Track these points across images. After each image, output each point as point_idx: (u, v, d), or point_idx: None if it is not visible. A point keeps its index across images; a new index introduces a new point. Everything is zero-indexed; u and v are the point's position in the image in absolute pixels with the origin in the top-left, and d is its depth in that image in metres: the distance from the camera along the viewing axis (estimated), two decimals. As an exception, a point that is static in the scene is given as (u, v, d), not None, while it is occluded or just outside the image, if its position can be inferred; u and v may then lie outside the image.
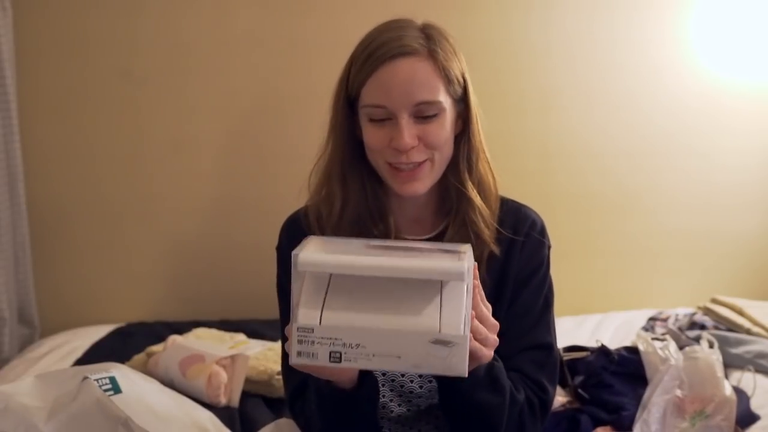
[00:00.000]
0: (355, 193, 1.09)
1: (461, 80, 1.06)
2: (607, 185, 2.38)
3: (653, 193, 2.40)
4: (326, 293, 0.81)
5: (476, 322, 0.86)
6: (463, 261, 0.80)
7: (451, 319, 0.79)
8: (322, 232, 1.10)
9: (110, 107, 2.23)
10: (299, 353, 0.80)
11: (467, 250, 0.88)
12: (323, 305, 0.80)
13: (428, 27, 1.05)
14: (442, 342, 0.79)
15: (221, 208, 2.33)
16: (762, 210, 2.45)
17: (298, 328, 0.80)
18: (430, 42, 1.02)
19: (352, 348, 0.79)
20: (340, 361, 0.80)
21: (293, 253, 0.81)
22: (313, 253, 0.82)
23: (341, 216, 1.09)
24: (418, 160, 1.03)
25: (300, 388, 1.10)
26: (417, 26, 1.05)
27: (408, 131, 1.00)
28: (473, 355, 0.85)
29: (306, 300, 0.81)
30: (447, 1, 2.20)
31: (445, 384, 0.98)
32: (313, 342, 0.80)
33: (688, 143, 2.38)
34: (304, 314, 0.80)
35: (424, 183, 1.05)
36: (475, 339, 0.86)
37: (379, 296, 0.81)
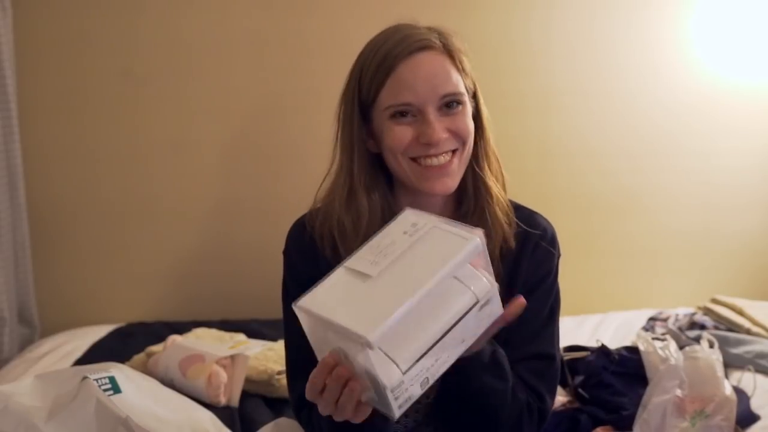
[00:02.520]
0: (377, 205, 1.07)
1: (472, 75, 1.06)
2: (607, 185, 2.38)
3: (653, 193, 2.41)
4: None
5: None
6: (485, 279, 0.82)
7: (479, 283, 0.83)
8: (345, 248, 1.06)
9: (110, 107, 2.23)
10: (401, 407, 0.80)
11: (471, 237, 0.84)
12: (390, 357, 0.79)
13: (434, 27, 1.06)
14: (484, 304, 0.84)
15: (221, 208, 2.32)
16: (762, 210, 2.45)
17: (392, 390, 0.79)
18: (442, 37, 1.03)
19: (432, 366, 0.81)
20: (430, 382, 0.82)
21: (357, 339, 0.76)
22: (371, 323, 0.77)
23: (368, 226, 1.06)
24: (448, 149, 1.02)
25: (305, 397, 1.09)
26: (424, 27, 1.06)
27: (438, 125, 1.00)
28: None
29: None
30: (447, 1, 2.21)
31: (448, 372, 0.97)
32: (406, 389, 0.80)
33: (688, 143, 2.38)
34: (385, 375, 0.78)
35: (454, 178, 1.04)
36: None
37: (419, 313, 0.80)
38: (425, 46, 1.00)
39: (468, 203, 1.10)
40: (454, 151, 1.03)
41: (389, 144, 1.03)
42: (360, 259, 0.86)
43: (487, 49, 2.22)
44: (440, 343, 0.81)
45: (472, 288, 0.83)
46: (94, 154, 2.25)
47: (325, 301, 0.82)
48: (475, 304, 0.83)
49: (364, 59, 1.05)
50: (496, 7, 2.24)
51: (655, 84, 2.33)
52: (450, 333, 0.81)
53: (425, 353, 0.80)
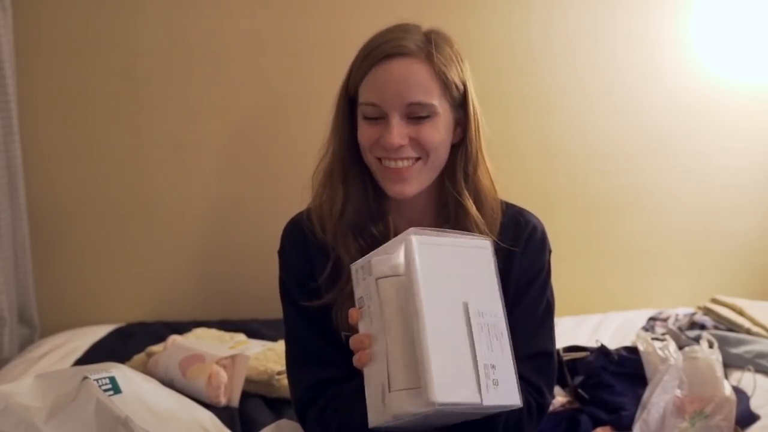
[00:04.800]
0: (357, 192, 1.10)
1: (460, 87, 1.06)
2: (607, 185, 2.38)
3: (653, 193, 2.40)
4: None
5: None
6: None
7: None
8: (324, 231, 1.11)
9: (111, 107, 2.23)
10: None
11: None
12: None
13: (432, 32, 1.06)
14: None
15: (222, 208, 2.32)
16: (762, 210, 2.45)
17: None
18: (429, 45, 1.03)
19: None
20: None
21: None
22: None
23: (342, 214, 1.09)
24: (407, 156, 1.03)
25: (312, 390, 1.08)
26: (421, 30, 1.06)
27: (398, 130, 1.01)
28: None
29: None
30: (447, 1, 2.21)
31: None
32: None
33: (688, 143, 2.38)
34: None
35: (412, 185, 1.05)
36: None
37: None
38: (403, 53, 1.01)
39: (449, 214, 1.10)
40: (417, 159, 1.04)
41: (359, 139, 1.06)
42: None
43: (487, 49, 2.22)
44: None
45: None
46: (94, 154, 2.25)
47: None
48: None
49: (358, 53, 1.07)
50: (497, 8, 2.24)
51: (655, 84, 2.33)
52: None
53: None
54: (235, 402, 1.71)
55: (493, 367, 0.82)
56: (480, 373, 0.81)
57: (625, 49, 2.31)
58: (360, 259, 0.89)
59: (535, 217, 1.16)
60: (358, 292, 0.88)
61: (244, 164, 2.30)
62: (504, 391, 0.82)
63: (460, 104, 1.07)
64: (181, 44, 2.20)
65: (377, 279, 0.85)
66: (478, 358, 0.81)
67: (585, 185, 2.37)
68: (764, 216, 2.45)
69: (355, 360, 0.87)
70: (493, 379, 0.82)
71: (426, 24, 1.09)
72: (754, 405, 1.65)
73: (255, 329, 2.12)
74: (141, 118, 2.24)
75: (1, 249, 2.08)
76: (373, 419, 0.84)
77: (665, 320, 2.13)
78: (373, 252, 0.89)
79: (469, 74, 1.07)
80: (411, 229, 0.85)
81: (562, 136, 2.34)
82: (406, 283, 0.83)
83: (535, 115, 2.32)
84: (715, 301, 2.13)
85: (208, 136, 2.27)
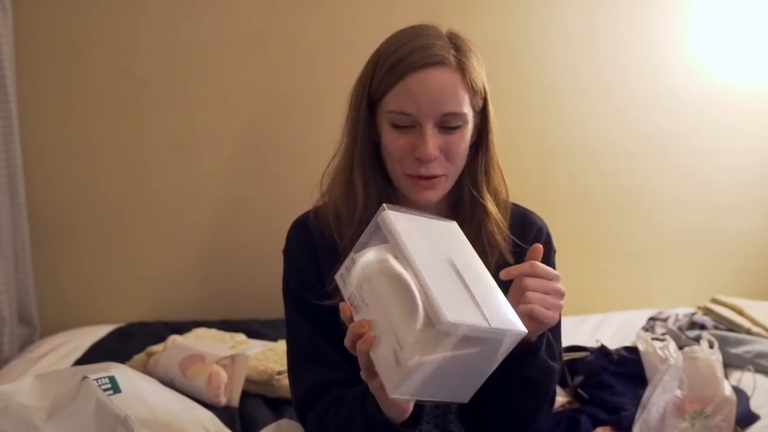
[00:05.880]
0: (374, 195, 1.09)
1: (483, 92, 1.07)
2: (607, 185, 2.38)
3: (653, 193, 2.41)
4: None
5: (530, 281, 0.91)
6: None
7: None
8: (340, 234, 1.10)
9: (111, 107, 2.23)
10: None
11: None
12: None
13: (456, 37, 1.06)
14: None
15: (222, 208, 2.33)
16: (762, 210, 2.45)
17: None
18: (459, 53, 1.03)
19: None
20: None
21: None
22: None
23: (362, 218, 1.08)
24: (437, 173, 1.04)
25: (314, 391, 1.07)
26: (444, 35, 1.05)
27: (432, 141, 1.01)
28: (537, 318, 0.90)
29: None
30: (447, 1, 2.21)
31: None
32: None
33: (688, 143, 2.38)
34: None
35: (437, 193, 1.06)
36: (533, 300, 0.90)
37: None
38: (439, 62, 1.01)
39: (464, 213, 1.11)
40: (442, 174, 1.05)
41: (386, 146, 1.06)
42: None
43: (487, 49, 2.19)
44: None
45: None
46: (94, 154, 2.25)
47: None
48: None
49: (381, 54, 1.06)
50: (496, 7, 2.24)
51: (655, 83, 2.33)
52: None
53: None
54: (235, 402, 1.71)
55: (490, 300, 0.84)
56: (480, 304, 0.82)
57: (625, 49, 2.31)
58: (340, 267, 0.90)
59: (540, 219, 1.17)
60: (346, 293, 0.88)
61: (244, 164, 2.30)
62: (507, 319, 0.83)
63: (481, 109, 1.08)
64: (181, 44, 2.20)
65: (363, 269, 0.86)
66: (474, 294, 0.83)
67: (585, 185, 2.37)
68: (764, 216, 2.45)
69: (360, 344, 0.84)
70: (494, 310, 0.83)
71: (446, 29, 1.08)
72: (754, 405, 1.65)
73: (255, 329, 2.11)
74: (141, 118, 2.24)
75: (1, 249, 2.08)
76: (391, 387, 0.82)
77: (665, 320, 2.13)
78: (350, 252, 0.90)
79: (485, 77, 1.08)
80: (383, 205, 0.88)
81: (562, 136, 2.34)
82: (391, 249, 0.85)
83: (535, 115, 2.32)
84: (715, 301, 2.13)
85: (208, 136, 2.27)
